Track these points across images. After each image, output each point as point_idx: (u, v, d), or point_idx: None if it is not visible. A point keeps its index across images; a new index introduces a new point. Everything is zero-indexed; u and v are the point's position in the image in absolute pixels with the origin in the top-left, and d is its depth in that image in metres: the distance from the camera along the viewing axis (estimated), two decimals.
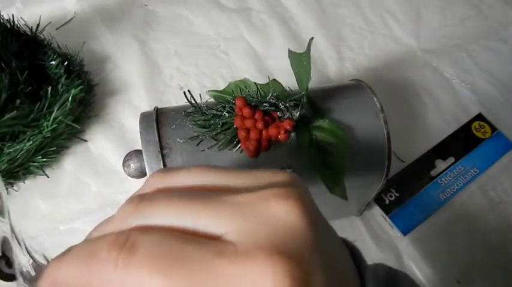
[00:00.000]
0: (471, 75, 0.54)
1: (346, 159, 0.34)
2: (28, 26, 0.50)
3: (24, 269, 0.19)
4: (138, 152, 0.37)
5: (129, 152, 0.38)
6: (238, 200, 0.17)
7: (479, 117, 0.51)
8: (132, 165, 0.37)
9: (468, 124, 0.51)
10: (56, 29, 0.56)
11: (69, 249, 0.18)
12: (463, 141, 0.50)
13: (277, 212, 0.16)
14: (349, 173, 0.34)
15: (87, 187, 0.48)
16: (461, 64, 0.55)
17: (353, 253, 0.21)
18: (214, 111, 0.35)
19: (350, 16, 0.59)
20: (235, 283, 0.15)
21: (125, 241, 0.16)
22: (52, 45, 0.52)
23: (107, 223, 0.19)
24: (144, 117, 0.36)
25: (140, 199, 0.18)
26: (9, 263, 0.19)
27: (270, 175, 0.19)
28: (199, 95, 0.38)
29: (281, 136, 0.32)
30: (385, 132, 0.36)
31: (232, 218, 0.17)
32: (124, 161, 0.37)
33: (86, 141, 0.50)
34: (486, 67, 0.55)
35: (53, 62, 0.48)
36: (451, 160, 0.49)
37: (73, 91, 0.47)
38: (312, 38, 0.33)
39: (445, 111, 0.52)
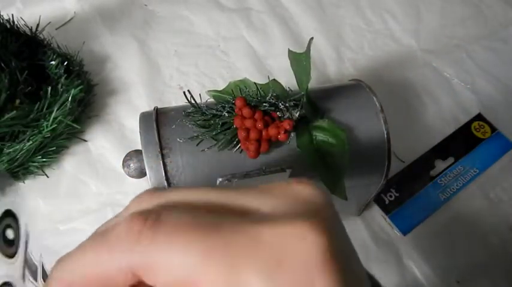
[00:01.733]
0: (471, 75, 0.54)
1: (346, 159, 0.34)
2: (28, 26, 0.50)
3: None
4: (138, 152, 0.37)
5: (129, 152, 0.38)
6: (266, 187, 0.17)
7: (479, 117, 0.51)
8: (132, 165, 0.37)
9: (468, 124, 0.51)
10: (56, 29, 0.56)
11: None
12: (462, 142, 0.50)
13: (304, 192, 0.16)
14: (349, 173, 0.34)
15: (87, 187, 0.48)
16: (461, 64, 0.55)
17: (373, 284, 0.20)
18: (214, 111, 0.35)
19: (350, 16, 0.59)
20: (277, 246, 0.14)
21: (147, 215, 0.15)
22: (52, 45, 0.52)
23: (115, 218, 0.17)
24: (144, 117, 0.36)
25: (154, 189, 0.17)
26: None
27: (296, 195, 0.17)
28: (199, 95, 0.38)
29: (281, 136, 0.32)
30: (385, 132, 0.36)
31: (263, 197, 0.16)
32: (124, 161, 0.37)
33: (85, 141, 0.50)
34: (486, 67, 0.55)
35: (53, 62, 0.48)
36: (451, 160, 0.49)
37: (73, 91, 0.47)
38: (312, 38, 0.33)
39: (444, 111, 0.52)
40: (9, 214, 0.38)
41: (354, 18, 0.58)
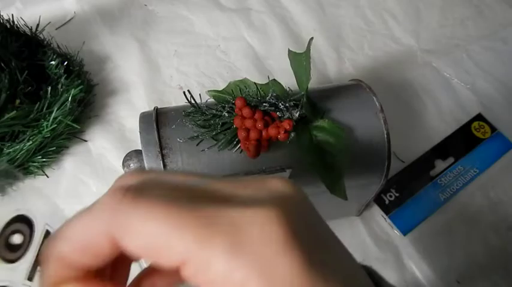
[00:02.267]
0: (471, 76, 0.54)
1: (345, 159, 0.34)
2: (28, 26, 0.50)
3: None
4: (138, 152, 0.37)
5: (129, 152, 0.37)
6: (240, 178, 0.18)
7: (479, 117, 0.51)
8: (132, 165, 0.37)
9: (468, 124, 0.51)
10: (56, 29, 0.56)
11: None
12: (462, 142, 0.50)
13: (275, 184, 0.18)
14: (348, 173, 0.34)
15: (87, 187, 0.47)
16: (461, 64, 0.55)
17: (370, 273, 0.21)
18: (214, 112, 0.35)
19: (350, 16, 0.59)
20: (241, 227, 0.15)
21: (129, 187, 0.16)
22: (52, 45, 0.52)
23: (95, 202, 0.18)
24: (144, 118, 0.36)
25: (139, 170, 0.18)
26: None
27: (275, 184, 0.19)
28: (199, 95, 0.38)
29: (281, 136, 0.32)
30: (385, 132, 0.36)
31: (240, 188, 0.17)
32: (124, 161, 0.37)
33: (85, 141, 0.50)
34: (486, 67, 0.55)
35: (53, 62, 0.48)
36: (451, 160, 0.49)
37: (73, 91, 0.47)
38: (312, 38, 0.33)
39: (444, 112, 0.52)
40: (20, 218, 0.38)
41: (354, 18, 0.58)
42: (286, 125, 0.32)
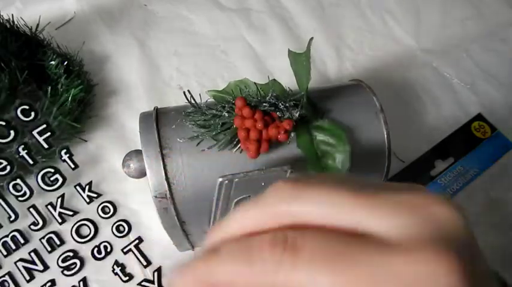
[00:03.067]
0: (471, 76, 0.54)
1: (345, 159, 0.34)
2: (28, 26, 0.50)
3: None
4: (138, 152, 0.37)
5: (129, 152, 0.37)
6: (399, 199, 0.16)
7: (479, 117, 0.51)
8: (131, 165, 0.37)
9: (468, 124, 0.51)
10: (56, 29, 0.56)
11: (214, 248, 0.17)
12: (462, 142, 0.50)
13: (439, 212, 0.16)
14: (348, 173, 0.34)
15: None
16: (461, 64, 0.55)
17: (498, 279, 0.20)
18: (214, 112, 0.35)
19: (350, 16, 0.59)
20: (410, 277, 0.14)
21: (285, 240, 0.16)
22: (52, 45, 0.52)
23: (257, 206, 0.18)
24: (144, 117, 0.36)
25: (294, 182, 0.18)
26: None
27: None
28: (199, 95, 0.38)
29: (281, 136, 0.32)
30: (385, 132, 0.36)
31: (394, 214, 0.16)
32: (124, 161, 0.37)
33: (85, 141, 0.50)
34: (486, 67, 0.55)
35: (53, 62, 0.48)
36: (451, 160, 0.49)
37: (73, 91, 0.47)
38: (312, 38, 0.33)
39: (444, 112, 0.52)
40: None
41: (354, 18, 0.58)
42: (286, 125, 0.32)
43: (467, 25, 0.58)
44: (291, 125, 0.32)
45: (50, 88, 0.46)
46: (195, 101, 0.36)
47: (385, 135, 0.36)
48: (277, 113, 0.34)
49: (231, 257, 0.17)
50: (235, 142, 0.34)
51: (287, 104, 0.34)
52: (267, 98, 0.34)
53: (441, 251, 0.15)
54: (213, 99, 0.38)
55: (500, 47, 0.56)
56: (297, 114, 0.33)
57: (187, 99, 0.36)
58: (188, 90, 0.36)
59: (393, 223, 0.16)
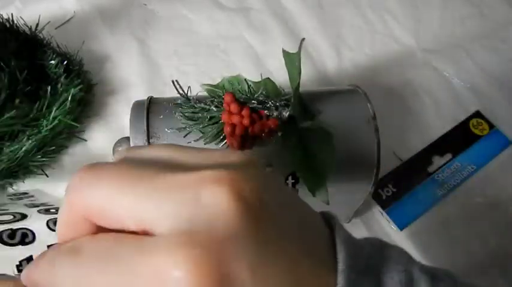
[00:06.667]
0: (471, 75, 0.54)
1: (331, 163, 0.34)
2: (27, 26, 0.50)
3: None
4: (127, 139, 0.37)
5: (119, 139, 0.38)
6: (176, 181, 0.17)
7: (477, 114, 0.51)
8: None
9: (466, 121, 0.51)
10: (56, 28, 0.56)
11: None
12: (460, 138, 0.50)
13: (208, 198, 0.16)
14: (336, 179, 0.34)
15: None
16: (461, 64, 0.55)
17: (332, 228, 0.20)
18: (202, 105, 0.35)
19: (350, 16, 0.59)
20: (151, 281, 0.15)
21: (73, 246, 0.17)
22: (51, 44, 0.52)
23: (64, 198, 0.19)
24: (136, 105, 0.37)
25: (88, 168, 0.18)
26: None
27: (222, 155, 0.19)
28: (197, 94, 0.38)
29: (265, 134, 0.32)
30: (376, 141, 0.36)
31: (163, 201, 0.16)
32: (114, 147, 0.38)
33: (85, 140, 0.50)
34: (486, 66, 0.55)
35: (53, 62, 0.48)
36: (448, 156, 0.49)
37: (72, 90, 0.47)
38: (303, 39, 0.33)
39: (443, 110, 0.52)
40: None
41: (354, 18, 0.58)
42: (272, 123, 0.32)
43: (467, 24, 0.58)
44: (276, 124, 0.32)
45: (49, 87, 0.46)
46: (184, 92, 0.36)
47: (376, 144, 0.36)
48: (266, 111, 0.33)
49: (34, 263, 0.19)
50: (221, 137, 0.34)
51: (277, 103, 0.34)
52: (256, 95, 0.34)
53: (214, 170, 0.17)
54: (205, 93, 0.39)
55: (500, 47, 0.56)
56: (286, 114, 0.33)
57: (176, 89, 0.36)
58: (176, 80, 0.36)
59: (160, 212, 0.16)
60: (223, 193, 0.16)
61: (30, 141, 0.45)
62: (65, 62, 0.49)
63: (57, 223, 0.19)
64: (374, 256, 0.19)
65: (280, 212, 0.17)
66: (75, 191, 0.18)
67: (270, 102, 0.34)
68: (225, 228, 0.15)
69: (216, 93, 0.37)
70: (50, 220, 0.33)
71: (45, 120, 0.46)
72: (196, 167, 0.17)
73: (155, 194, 0.16)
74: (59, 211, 0.19)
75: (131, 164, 0.18)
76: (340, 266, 0.18)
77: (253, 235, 0.16)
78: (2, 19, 0.48)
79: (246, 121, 0.32)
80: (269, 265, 0.16)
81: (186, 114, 0.35)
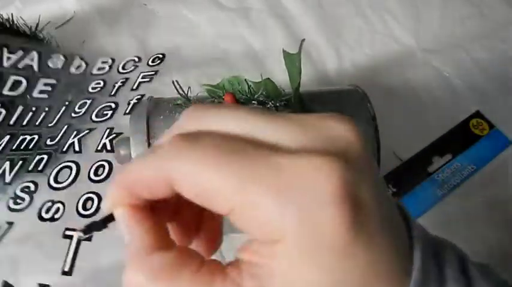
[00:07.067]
0: (471, 75, 0.54)
1: None
2: (27, 25, 0.50)
3: None
4: (128, 139, 0.37)
5: (119, 139, 0.38)
6: (300, 118, 0.17)
7: (477, 114, 0.51)
8: (121, 151, 0.37)
9: (466, 121, 0.51)
10: (56, 28, 0.56)
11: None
12: (460, 138, 0.50)
13: (336, 128, 0.17)
14: None
15: None
16: (460, 63, 0.55)
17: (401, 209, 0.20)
18: None
19: (350, 16, 0.59)
20: (290, 175, 0.15)
21: (187, 135, 0.17)
22: (51, 44, 0.52)
23: (171, 128, 0.20)
24: (136, 106, 0.37)
25: (204, 106, 0.19)
26: None
27: (321, 128, 0.18)
28: (197, 94, 0.38)
29: None
30: (375, 141, 0.36)
31: (288, 128, 0.17)
32: (116, 146, 0.38)
33: None
34: (486, 67, 0.55)
35: None
36: (448, 156, 0.49)
37: None
38: (303, 40, 0.33)
39: (443, 110, 0.52)
40: None
41: (354, 18, 0.58)
42: None
43: (467, 24, 0.58)
44: None
45: None
46: (184, 92, 0.36)
47: (375, 144, 0.36)
48: None
49: (141, 156, 0.19)
50: None
51: (277, 104, 0.34)
52: (256, 95, 0.34)
53: (323, 157, 0.16)
54: (205, 93, 0.39)
55: (500, 47, 0.56)
56: None
57: (177, 89, 0.36)
58: (177, 81, 0.36)
59: (285, 132, 0.17)
60: (348, 127, 0.17)
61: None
62: None
63: (134, 169, 0.19)
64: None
65: (379, 206, 0.17)
66: (168, 156, 0.17)
67: (270, 103, 0.34)
68: (357, 155, 0.16)
69: (216, 93, 0.37)
70: None
71: None
72: (300, 146, 0.17)
73: (284, 122, 0.17)
74: (141, 161, 0.18)
75: (225, 140, 0.17)
76: (417, 264, 0.18)
77: (371, 173, 0.17)
78: (2, 19, 0.48)
79: None
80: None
81: None
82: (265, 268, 0.16)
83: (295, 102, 0.34)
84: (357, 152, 0.17)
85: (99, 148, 0.42)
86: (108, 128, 0.44)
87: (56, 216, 0.40)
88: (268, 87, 0.36)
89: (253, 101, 0.34)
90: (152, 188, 0.18)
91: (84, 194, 0.41)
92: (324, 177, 0.15)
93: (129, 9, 0.58)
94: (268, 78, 0.38)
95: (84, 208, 0.40)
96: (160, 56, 0.53)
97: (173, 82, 0.36)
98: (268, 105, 0.34)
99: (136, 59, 0.52)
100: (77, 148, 0.43)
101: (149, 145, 0.34)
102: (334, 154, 0.16)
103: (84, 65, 0.49)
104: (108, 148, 0.42)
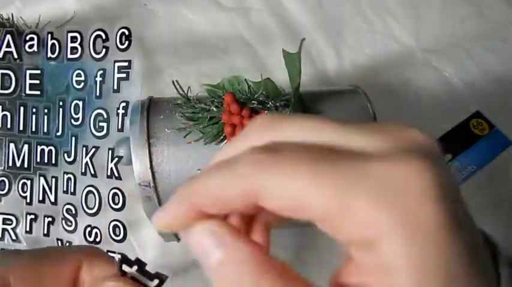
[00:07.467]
0: (471, 75, 0.54)
1: None
2: (27, 25, 0.50)
3: None
4: (128, 139, 0.37)
5: (120, 139, 0.38)
6: (376, 125, 0.17)
7: (477, 114, 0.51)
8: (121, 151, 0.37)
9: (466, 121, 0.51)
10: (56, 28, 0.55)
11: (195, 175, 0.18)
12: (460, 138, 0.50)
13: (414, 134, 0.17)
14: None
15: None
16: (461, 63, 0.55)
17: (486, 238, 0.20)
18: (202, 105, 0.35)
19: (350, 16, 0.58)
20: (384, 178, 0.15)
21: (266, 146, 0.17)
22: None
23: (239, 138, 0.19)
24: (136, 105, 0.37)
25: (273, 116, 0.18)
26: None
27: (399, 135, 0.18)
28: (197, 94, 0.38)
29: None
30: None
31: (369, 134, 0.17)
32: (116, 146, 0.38)
33: None
34: (486, 67, 0.55)
35: None
36: (449, 156, 0.49)
37: None
38: (303, 39, 0.33)
39: (443, 110, 0.52)
40: None
41: (354, 18, 0.58)
42: None
43: (467, 24, 0.58)
44: None
45: None
46: (184, 92, 0.36)
47: None
48: (266, 111, 0.33)
49: (214, 171, 0.17)
50: (221, 137, 0.34)
51: (277, 103, 0.34)
52: (256, 95, 0.34)
53: (414, 158, 0.16)
54: (205, 93, 0.39)
55: (500, 47, 0.56)
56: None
57: (177, 89, 0.36)
58: (177, 81, 0.36)
59: (369, 140, 0.17)
60: (426, 134, 0.17)
61: None
62: None
63: (213, 178, 0.17)
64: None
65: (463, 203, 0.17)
66: (252, 169, 0.16)
67: (270, 103, 0.34)
68: (433, 152, 0.16)
69: (216, 93, 0.37)
70: None
71: None
72: (387, 152, 0.16)
73: (363, 129, 0.17)
74: (216, 177, 0.17)
75: (307, 149, 0.17)
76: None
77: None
78: (2, 19, 0.48)
79: (246, 122, 0.32)
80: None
81: (186, 114, 0.35)
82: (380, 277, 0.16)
83: (295, 102, 0.34)
84: (439, 158, 0.17)
85: (108, 174, 0.42)
86: (109, 149, 0.43)
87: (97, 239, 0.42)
88: (268, 87, 0.36)
89: (253, 101, 0.34)
90: (229, 204, 0.17)
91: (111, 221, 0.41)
92: (419, 177, 0.15)
93: (129, 9, 0.58)
94: (268, 78, 0.38)
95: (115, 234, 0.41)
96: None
97: (173, 82, 0.36)
98: (268, 105, 0.34)
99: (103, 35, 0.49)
100: (92, 171, 0.43)
101: (149, 145, 0.34)
102: (423, 156, 0.16)
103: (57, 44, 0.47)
104: (116, 174, 0.41)
